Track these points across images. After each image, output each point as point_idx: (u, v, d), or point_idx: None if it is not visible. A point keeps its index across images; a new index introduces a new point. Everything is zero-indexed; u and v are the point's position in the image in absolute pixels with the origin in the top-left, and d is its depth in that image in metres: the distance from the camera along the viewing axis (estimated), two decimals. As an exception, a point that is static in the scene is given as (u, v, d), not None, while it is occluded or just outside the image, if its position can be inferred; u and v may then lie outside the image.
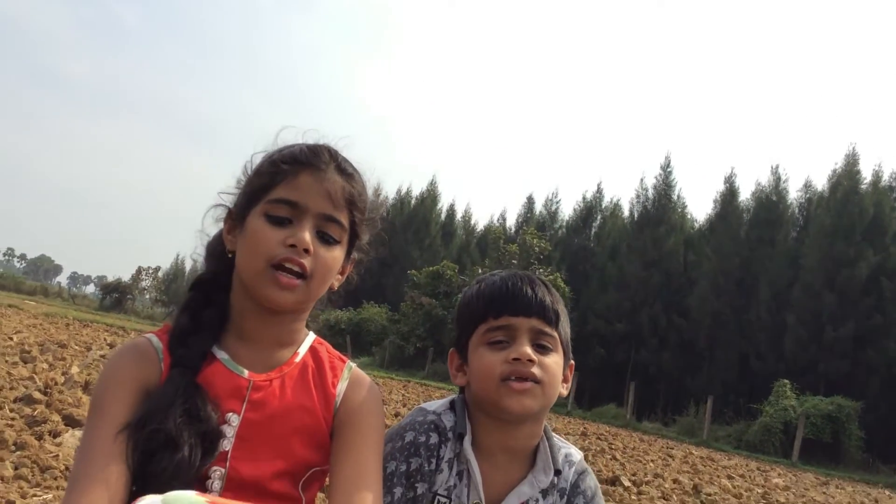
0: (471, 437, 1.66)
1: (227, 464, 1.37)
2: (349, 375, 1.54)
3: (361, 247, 1.58)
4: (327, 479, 1.50)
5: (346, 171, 1.49)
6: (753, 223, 34.37)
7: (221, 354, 1.44)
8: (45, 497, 3.00)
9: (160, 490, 1.19)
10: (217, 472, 1.36)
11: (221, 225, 1.55)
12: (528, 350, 1.59)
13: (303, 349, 1.53)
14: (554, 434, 1.76)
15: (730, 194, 35.72)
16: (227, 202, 1.55)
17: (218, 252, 1.53)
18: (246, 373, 1.44)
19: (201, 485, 1.35)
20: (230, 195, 1.56)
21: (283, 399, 1.44)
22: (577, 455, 1.77)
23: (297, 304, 1.44)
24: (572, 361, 1.75)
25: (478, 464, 1.64)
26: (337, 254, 1.46)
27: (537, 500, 1.68)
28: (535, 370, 1.59)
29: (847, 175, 31.66)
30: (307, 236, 1.40)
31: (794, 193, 35.19)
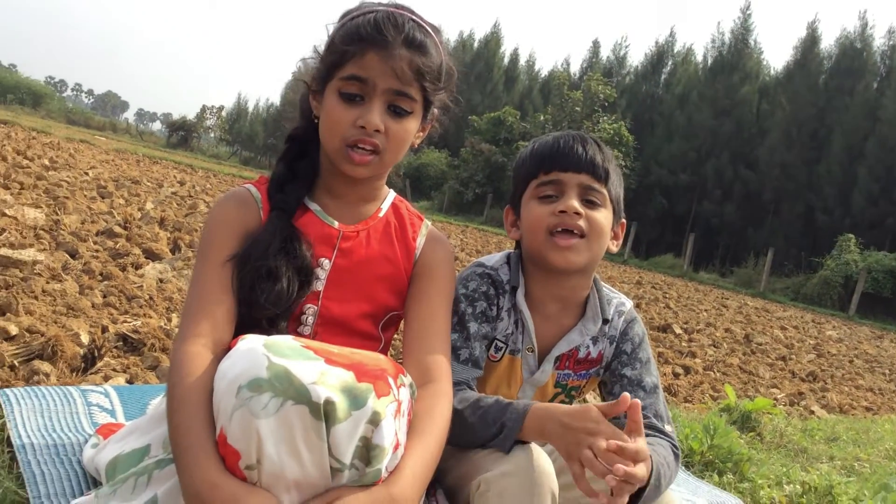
0: (524, 290, 1.77)
1: (320, 302, 1.54)
2: (426, 232, 1.68)
3: (442, 104, 1.63)
4: (402, 323, 1.66)
5: (414, 41, 1.48)
6: (833, 72, 32.62)
7: (314, 206, 1.57)
8: (134, 323, 3.25)
9: (264, 315, 1.37)
10: (311, 310, 1.53)
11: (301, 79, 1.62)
12: (575, 203, 1.66)
13: (385, 205, 1.66)
14: (605, 285, 1.85)
15: (811, 41, 33.73)
16: (311, 62, 1.60)
17: (308, 112, 1.60)
18: (336, 223, 1.57)
19: (297, 320, 1.52)
20: (313, 59, 1.60)
21: (368, 249, 1.58)
22: (628, 304, 1.86)
23: (372, 174, 1.55)
24: (623, 220, 1.82)
25: (530, 313, 1.76)
26: (409, 125, 1.52)
27: (587, 346, 1.80)
28: (582, 223, 1.66)
29: (940, 20, 29.51)
30: (376, 118, 1.45)
31: (878, 41, 33.07)
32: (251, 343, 1.18)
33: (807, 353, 8.86)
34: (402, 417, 1.25)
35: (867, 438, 4.39)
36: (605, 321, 1.79)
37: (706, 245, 32.20)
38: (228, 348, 1.24)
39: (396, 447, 1.22)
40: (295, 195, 1.55)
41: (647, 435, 1.63)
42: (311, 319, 1.54)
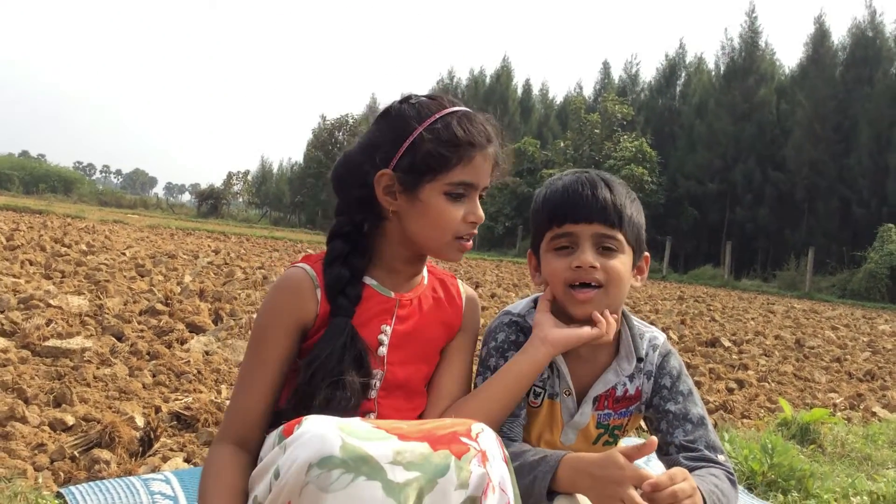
0: None
1: (385, 367, 1.61)
2: (464, 290, 1.78)
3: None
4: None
5: (498, 140, 1.65)
6: (849, 63, 32.31)
7: (370, 281, 1.64)
8: (185, 400, 3.30)
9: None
10: (378, 374, 1.60)
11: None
12: (590, 257, 1.66)
13: (425, 271, 1.75)
14: (636, 319, 1.85)
15: (820, 35, 33.48)
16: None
17: (369, 204, 1.62)
18: (392, 294, 1.65)
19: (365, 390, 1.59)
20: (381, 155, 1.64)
21: (422, 314, 1.67)
22: (661, 337, 1.85)
23: None
24: (647, 254, 1.81)
25: (563, 356, 1.76)
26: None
27: (624, 384, 1.80)
28: (598, 275, 1.67)
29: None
30: (481, 212, 1.61)
31: (889, 27, 32.72)
32: (323, 427, 1.21)
33: (861, 351, 8.66)
34: (493, 461, 1.27)
35: (934, 436, 4.26)
36: (640, 359, 1.78)
37: (744, 251, 31.79)
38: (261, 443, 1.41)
39: (493, 490, 1.25)
40: (356, 294, 1.59)
41: (700, 466, 1.62)
42: (377, 384, 1.60)
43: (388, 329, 1.62)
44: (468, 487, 1.20)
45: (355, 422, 1.24)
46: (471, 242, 1.64)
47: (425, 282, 1.73)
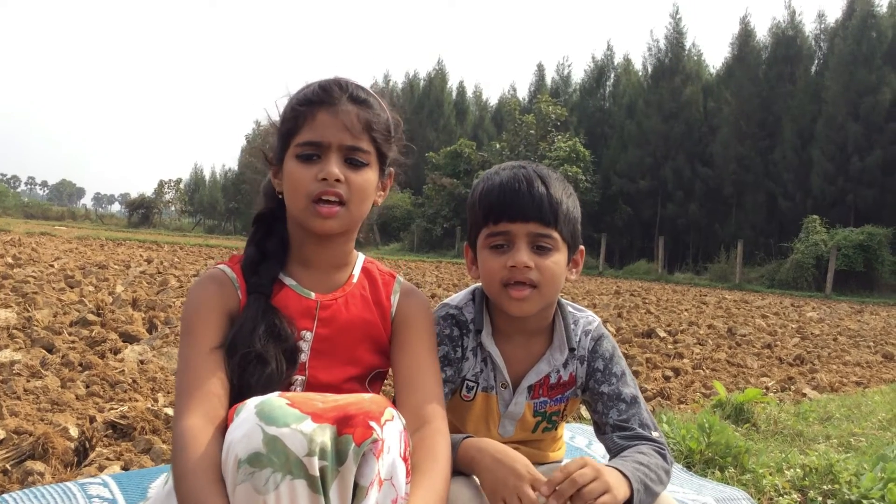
0: (490, 328, 1.78)
1: (307, 372, 1.58)
2: (399, 288, 1.72)
3: (395, 160, 1.70)
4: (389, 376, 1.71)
5: (359, 98, 1.59)
6: (771, 62, 33.43)
7: (289, 281, 1.62)
8: (120, 409, 3.22)
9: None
10: (298, 380, 1.57)
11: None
12: (524, 257, 1.65)
13: (356, 270, 1.70)
14: (570, 304, 1.86)
15: (745, 35, 34.54)
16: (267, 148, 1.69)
17: (271, 193, 1.67)
18: (313, 295, 1.61)
19: (286, 390, 1.52)
20: (266, 135, 1.71)
21: (347, 315, 1.63)
22: (595, 322, 1.86)
23: (342, 228, 1.58)
24: (582, 247, 1.80)
25: (499, 348, 1.77)
26: (368, 175, 1.58)
27: (558, 371, 1.81)
28: (532, 274, 1.66)
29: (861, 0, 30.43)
30: (334, 169, 1.52)
31: (809, 26, 34.01)
32: (245, 412, 1.22)
33: (791, 337, 8.95)
34: (387, 454, 1.25)
35: (860, 413, 4.45)
36: (572, 349, 1.79)
37: (677, 246, 32.63)
38: (226, 420, 1.29)
39: (381, 484, 1.24)
40: (269, 275, 1.59)
41: (633, 444, 1.65)
42: (299, 389, 1.56)
43: (309, 335, 1.59)
44: (361, 476, 1.21)
45: (270, 400, 1.23)
46: (336, 208, 1.54)
47: (354, 280, 1.68)
